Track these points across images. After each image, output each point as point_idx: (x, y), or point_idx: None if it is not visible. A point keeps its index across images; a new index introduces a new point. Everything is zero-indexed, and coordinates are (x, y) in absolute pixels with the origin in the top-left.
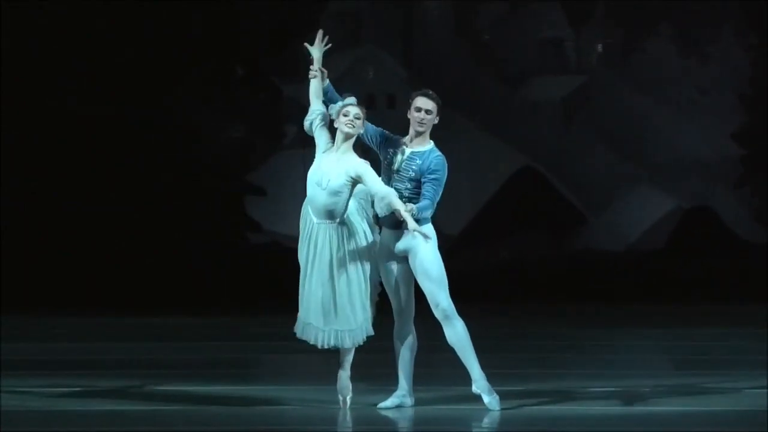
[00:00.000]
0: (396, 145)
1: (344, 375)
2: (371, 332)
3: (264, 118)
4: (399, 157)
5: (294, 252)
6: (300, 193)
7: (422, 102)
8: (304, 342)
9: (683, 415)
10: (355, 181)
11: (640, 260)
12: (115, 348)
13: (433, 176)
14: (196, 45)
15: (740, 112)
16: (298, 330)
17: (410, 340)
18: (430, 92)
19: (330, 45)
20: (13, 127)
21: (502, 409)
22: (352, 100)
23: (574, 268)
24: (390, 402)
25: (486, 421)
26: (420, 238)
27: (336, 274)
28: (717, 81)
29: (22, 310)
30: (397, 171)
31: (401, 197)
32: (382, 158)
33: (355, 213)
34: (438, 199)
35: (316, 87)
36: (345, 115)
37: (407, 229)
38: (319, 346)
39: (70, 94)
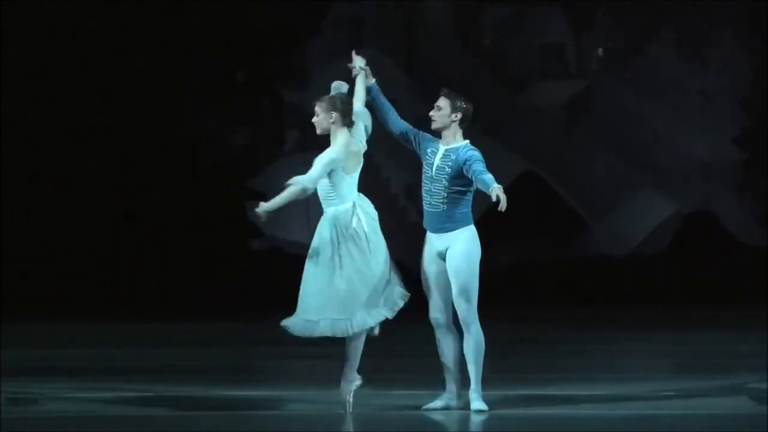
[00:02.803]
0: (433, 146)
1: (347, 379)
2: (402, 300)
3: (265, 124)
4: (436, 157)
5: (295, 257)
6: (300, 199)
7: (438, 100)
8: (330, 341)
9: (685, 418)
10: (327, 170)
11: (642, 264)
12: (115, 353)
13: (475, 160)
14: (198, 51)
15: (742, 117)
16: (330, 328)
17: (454, 340)
18: (446, 90)
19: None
20: (15, 133)
21: (508, 410)
22: (337, 85)
23: (575, 272)
24: (436, 403)
25: (489, 423)
26: (461, 240)
27: (338, 263)
28: (719, 85)
29: (23, 316)
30: (436, 169)
31: (440, 197)
32: (422, 159)
33: (347, 209)
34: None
35: (359, 87)
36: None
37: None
38: (348, 334)
39: (72, 100)
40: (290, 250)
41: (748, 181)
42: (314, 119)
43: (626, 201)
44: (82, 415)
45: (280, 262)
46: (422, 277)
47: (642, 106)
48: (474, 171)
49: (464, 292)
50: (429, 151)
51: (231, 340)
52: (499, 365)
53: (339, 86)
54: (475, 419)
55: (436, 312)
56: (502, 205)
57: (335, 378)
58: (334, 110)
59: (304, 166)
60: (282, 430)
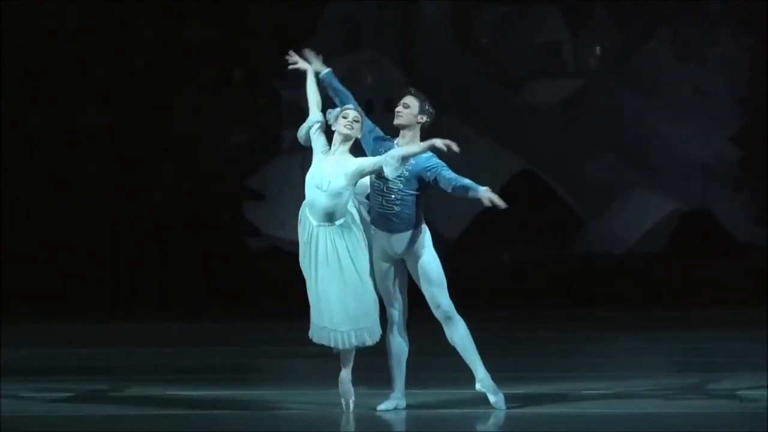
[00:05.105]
0: (387, 146)
1: (346, 378)
2: (380, 331)
3: (263, 123)
4: None
5: (294, 256)
6: (298, 197)
7: (404, 98)
8: (321, 346)
9: (684, 416)
10: (356, 181)
11: (640, 263)
12: (115, 353)
13: (441, 167)
14: (197, 51)
15: (738, 115)
16: (315, 335)
17: (403, 342)
18: (413, 90)
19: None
20: (16, 133)
21: (506, 408)
22: (350, 105)
23: (573, 271)
24: (388, 404)
25: (491, 422)
26: (419, 241)
27: (345, 275)
28: (715, 84)
29: (22, 316)
30: None
31: (394, 199)
32: (370, 154)
33: (351, 215)
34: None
35: (312, 89)
36: (344, 117)
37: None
38: (341, 348)
39: (72, 101)
40: (288, 249)
41: (745, 179)
42: (357, 124)
43: (623, 200)
44: (81, 415)
45: (279, 262)
46: (377, 275)
47: (639, 105)
48: (448, 179)
49: (440, 288)
50: (383, 151)
51: (230, 340)
52: (497, 364)
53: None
54: (475, 418)
55: (394, 309)
56: (501, 204)
57: (334, 378)
58: (425, 113)
59: (302, 165)
60: (281, 430)
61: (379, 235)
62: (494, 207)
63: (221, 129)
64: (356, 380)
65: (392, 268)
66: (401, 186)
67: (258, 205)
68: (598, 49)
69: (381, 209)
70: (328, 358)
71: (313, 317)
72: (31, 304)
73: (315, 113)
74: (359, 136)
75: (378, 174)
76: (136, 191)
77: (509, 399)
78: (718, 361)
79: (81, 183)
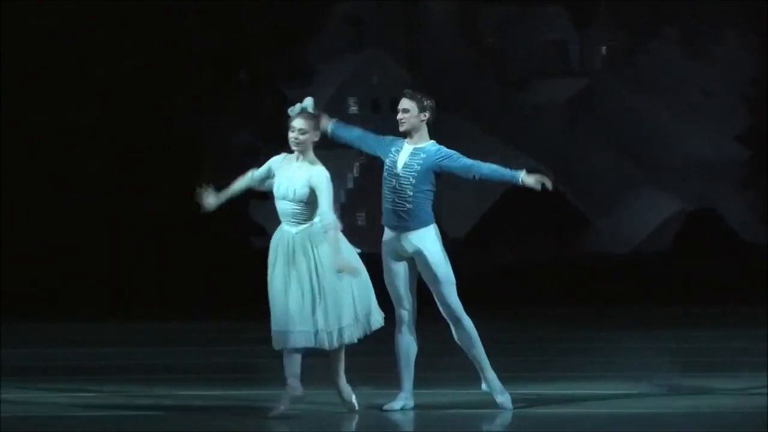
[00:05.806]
0: (397, 145)
1: (341, 383)
2: (379, 324)
3: (268, 123)
4: (402, 155)
5: None
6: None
7: (400, 102)
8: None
9: (687, 416)
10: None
11: (645, 262)
12: (118, 353)
13: (457, 155)
14: (198, 51)
15: (745, 114)
16: (284, 340)
17: (412, 342)
18: (409, 91)
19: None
20: (16, 133)
21: (513, 408)
22: (307, 103)
23: (578, 270)
24: (395, 404)
25: (498, 422)
26: (428, 240)
27: (322, 275)
28: (721, 83)
29: (23, 316)
30: (403, 166)
31: (407, 196)
32: (384, 157)
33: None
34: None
35: (230, 192)
36: (291, 131)
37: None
38: (327, 348)
39: (72, 100)
40: None
41: (751, 178)
42: (302, 137)
43: (629, 199)
44: (81, 415)
45: None
46: (386, 275)
47: (644, 104)
48: (468, 166)
49: (448, 288)
50: (393, 149)
51: (230, 340)
52: (502, 364)
53: (307, 99)
54: (482, 418)
55: (403, 309)
56: (549, 185)
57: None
58: (425, 110)
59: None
60: (282, 430)
61: (390, 234)
62: (544, 188)
63: (223, 129)
64: (361, 380)
65: (401, 267)
66: (413, 181)
67: (263, 205)
68: (603, 48)
69: (393, 206)
70: (328, 357)
71: (280, 324)
72: (31, 304)
73: (244, 182)
74: (315, 140)
75: (390, 171)
76: (136, 191)
77: (516, 399)
78: (722, 360)
79: (81, 183)
